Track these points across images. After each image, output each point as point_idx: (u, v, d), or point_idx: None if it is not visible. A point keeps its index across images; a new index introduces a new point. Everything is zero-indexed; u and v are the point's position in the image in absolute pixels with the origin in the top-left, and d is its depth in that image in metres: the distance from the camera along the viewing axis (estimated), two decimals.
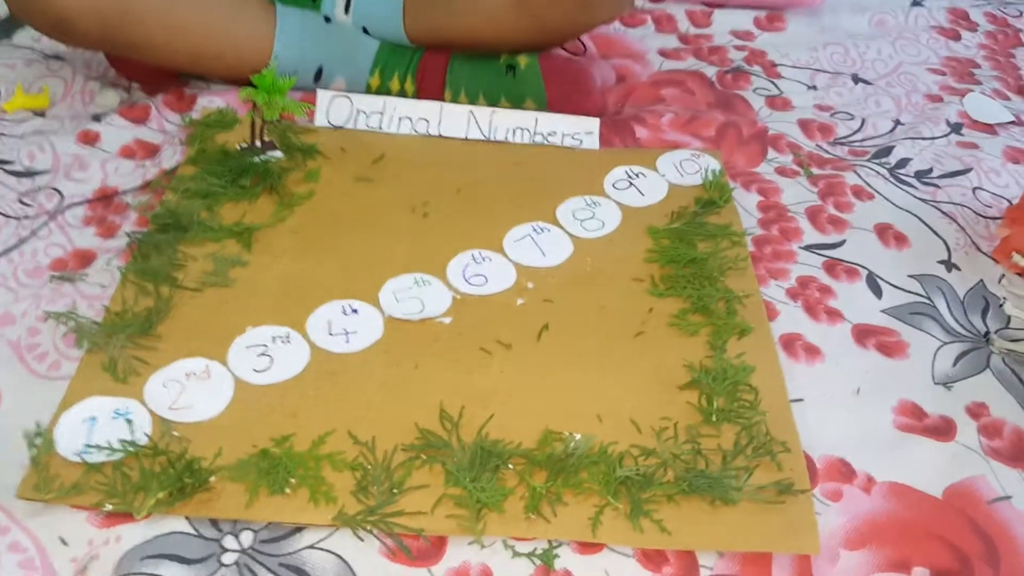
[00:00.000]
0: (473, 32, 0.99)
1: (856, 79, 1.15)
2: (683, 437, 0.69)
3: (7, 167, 0.92)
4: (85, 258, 0.83)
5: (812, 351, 0.78)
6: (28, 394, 0.71)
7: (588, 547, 0.63)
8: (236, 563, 0.61)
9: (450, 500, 0.64)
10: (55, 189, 0.91)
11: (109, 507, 0.63)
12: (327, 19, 1.02)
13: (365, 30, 1.03)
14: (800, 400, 0.73)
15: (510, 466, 0.66)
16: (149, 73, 1.04)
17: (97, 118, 0.99)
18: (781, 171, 0.99)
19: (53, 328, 0.76)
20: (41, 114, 1.01)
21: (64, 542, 0.61)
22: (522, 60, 1.00)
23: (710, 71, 1.14)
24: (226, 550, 0.62)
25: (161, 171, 0.93)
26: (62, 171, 0.93)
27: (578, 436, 0.68)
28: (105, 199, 0.90)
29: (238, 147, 0.95)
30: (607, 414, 0.71)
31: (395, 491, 0.65)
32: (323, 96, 1.00)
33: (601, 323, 0.78)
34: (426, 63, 1.02)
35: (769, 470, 0.67)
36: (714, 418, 0.70)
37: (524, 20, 0.96)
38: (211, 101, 1.01)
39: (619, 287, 0.82)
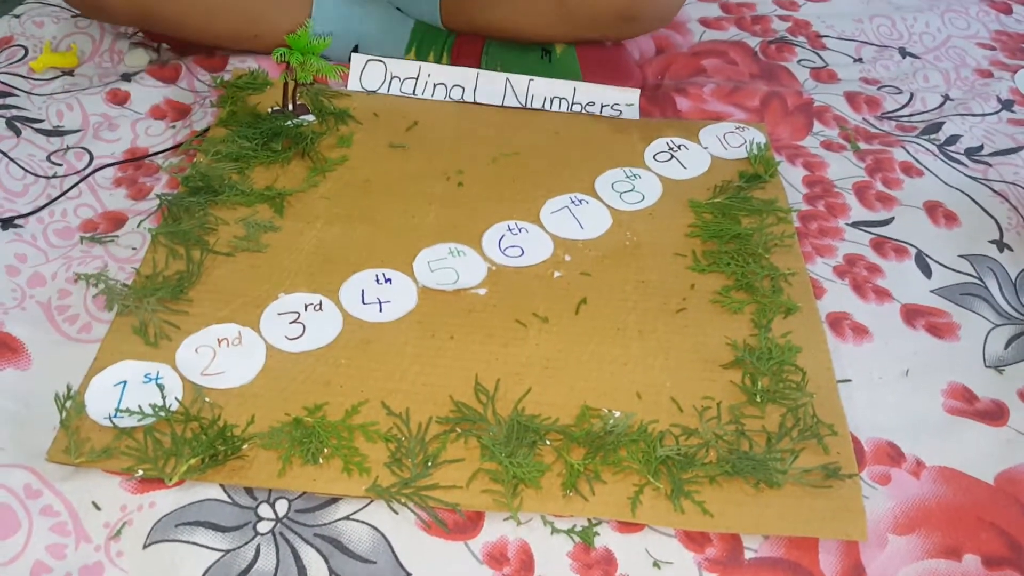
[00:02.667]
0: (512, 28, 0.96)
1: (903, 52, 1.12)
2: (726, 417, 0.67)
3: (36, 126, 0.91)
4: (116, 220, 0.82)
5: (860, 331, 0.76)
6: (58, 356, 0.70)
7: (628, 525, 0.61)
8: (272, 532, 0.60)
9: (486, 475, 0.63)
10: (85, 149, 0.89)
11: (140, 472, 0.62)
12: None
13: (399, 9, 1.00)
14: (847, 381, 0.71)
15: (547, 442, 0.65)
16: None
17: (127, 77, 0.98)
18: (827, 145, 0.96)
19: (84, 290, 0.75)
20: (70, 73, 0.99)
21: (97, 506, 0.60)
22: (558, 46, 0.98)
23: (753, 42, 1.11)
24: (261, 518, 0.60)
25: (192, 133, 0.92)
26: (91, 131, 0.92)
27: (617, 413, 0.67)
28: (135, 160, 0.89)
29: (270, 110, 0.93)
30: (647, 392, 0.69)
31: (429, 464, 0.63)
32: (357, 60, 0.97)
33: (641, 298, 0.76)
34: (461, 45, 1.00)
35: (815, 453, 0.65)
36: (758, 399, 0.68)
37: (565, 27, 0.94)
38: (243, 62, 1.00)
39: (660, 262, 0.79)
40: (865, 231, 0.86)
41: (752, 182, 0.87)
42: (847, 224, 0.86)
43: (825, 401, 0.68)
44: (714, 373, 0.70)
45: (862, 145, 0.96)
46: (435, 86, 0.97)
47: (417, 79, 0.97)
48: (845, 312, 0.78)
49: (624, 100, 0.96)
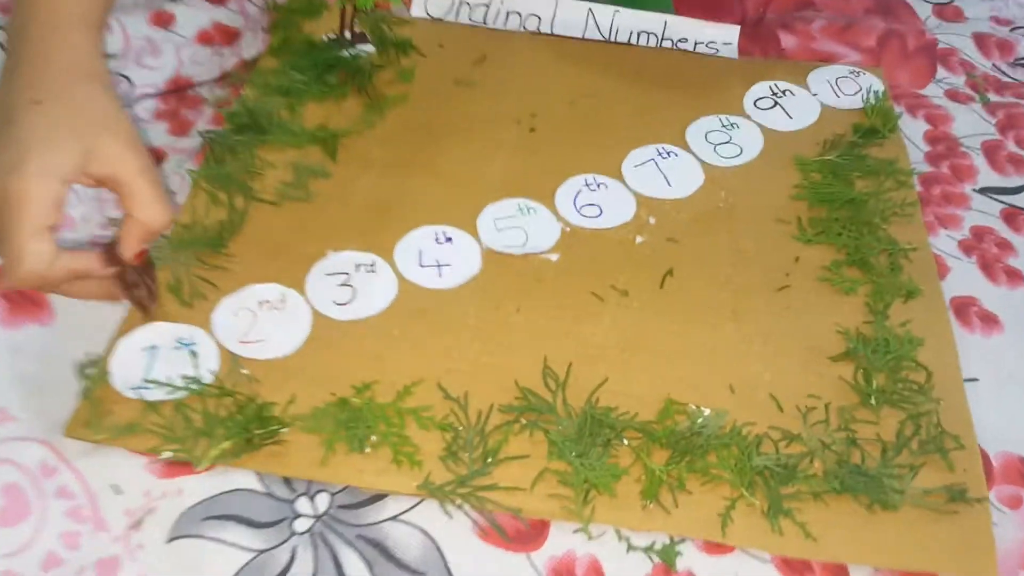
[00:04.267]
0: None
1: None
2: (835, 422, 0.58)
3: None
4: (155, 157, 0.74)
5: (989, 320, 0.66)
6: (84, 311, 0.63)
7: (717, 546, 0.53)
8: (310, 531, 0.53)
9: (553, 476, 0.55)
10: (124, 76, 0.81)
11: (168, 454, 0.55)
12: None
13: None
14: (974, 380, 0.61)
15: (624, 441, 0.57)
16: None
17: None
18: (952, 95, 0.84)
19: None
20: None
21: (118, 490, 0.54)
22: None
23: None
24: (299, 515, 0.54)
25: (240, 62, 0.83)
26: (133, 56, 0.83)
27: (707, 411, 0.58)
28: (179, 91, 0.81)
29: (325, 38, 0.84)
30: (742, 385, 0.60)
31: (489, 460, 0.56)
32: None
33: (736, 271, 0.66)
34: None
35: (938, 469, 0.56)
36: (873, 400, 0.59)
37: None
38: None
39: (759, 228, 0.69)
40: (995, 199, 0.75)
41: (868, 137, 0.76)
42: (974, 190, 0.75)
43: (951, 406, 0.59)
44: (821, 366, 0.61)
45: (992, 96, 0.84)
46: (508, 14, 0.86)
47: (489, 6, 0.87)
48: (972, 297, 0.67)
49: (721, 37, 0.84)
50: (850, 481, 0.54)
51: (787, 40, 0.87)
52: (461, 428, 0.57)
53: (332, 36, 0.84)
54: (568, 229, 0.69)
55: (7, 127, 0.55)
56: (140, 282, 0.59)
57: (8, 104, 0.56)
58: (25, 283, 0.54)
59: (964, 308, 0.66)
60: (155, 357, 0.59)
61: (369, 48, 0.83)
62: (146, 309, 0.60)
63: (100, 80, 0.58)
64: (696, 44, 0.84)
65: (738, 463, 0.55)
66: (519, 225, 0.69)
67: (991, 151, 0.78)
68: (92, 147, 0.55)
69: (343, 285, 0.65)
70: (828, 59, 0.85)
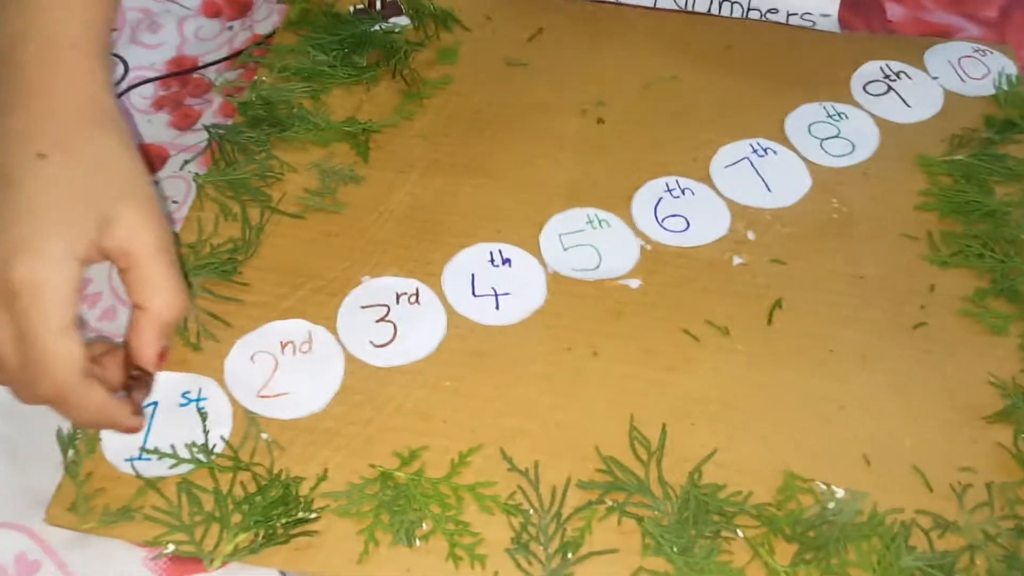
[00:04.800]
0: None
1: None
2: (999, 504, 0.46)
3: None
4: (154, 157, 0.63)
5: None
6: None
7: None
8: None
9: None
10: (118, 56, 0.70)
11: (171, 547, 0.44)
12: None
13: None
14: None
15: (738, 531, 0.45)
16: None
17: None
18: None
19: None
20: None
21: None
22: None
23: None
24: None
25: (253, 38, 0.71)
26: (128, 32, 0.72)
27: (839, 491, 0.47)
28: (182, 73, 0.69)
29: (351, 10, 0.71)
30: (878, 455, 0.48)
31: (569, 556, 0.45)
32: None
33: (860, 303, 0.54)
34: None
35: None
36: None
37: None
38: None
39: (882, 247, 0.57)
40: None
41: (1004, 132, 0.63)
42: None
43: None
44: (974, 429, 0.49)
45: None
46: None
47: None
48: None
49: (819, 7, 0.71)
50: None
51: (893, 10, 0.73)
52: (532, 511, 0.46)
53: (360, 7, 0.71)
54: (649, 247, 0.57)
55: (5, 187, 0.43)
56: (142, 383, 0.48)
57: (3, 155, 0.44)
58: (56, 397, 0.43)
59: None
60: (155, 417, 0.49)
61: (404, 21, 0.71)
62: (139, 414, 0.48)
63: (113, 125, 0.46)
64: (788, 15, 0.71)
65: (881, 561, 0.44)
66: (590, 242, 0.57)
67: None
68: (108, 216, 0.43)
69: (381, 320, 0.53)
70: (943, 33, 0.72)
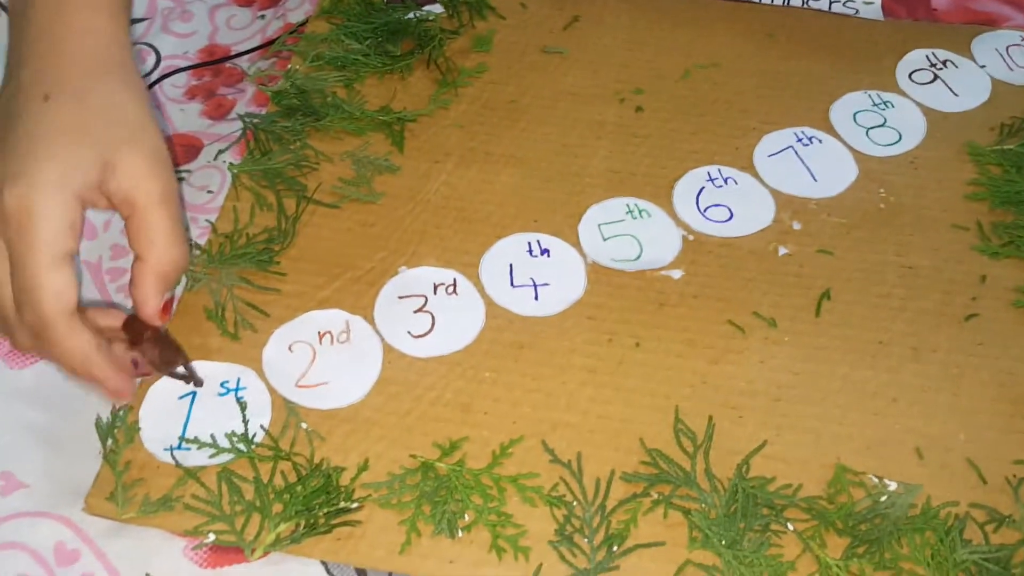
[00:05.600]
0: None
1: None
2: None
3: None
4: (188, 147, 0.63)
5: None
6: None
7: None
8: None
9: (698, 572, 0.43)
10: (149, 45, 0.69)
11: (212, 537, 0.44)
12: None
13: None
14: None
15: (788, 525, 0.44)
16: None
17: None
18: None
19: None
20: None
21: None
22: None
23: None
24: None
25: (286, 27, 0.70)
26: (159, 20, 0.71)
27: (891, 484, 0.45)
28: (214, 63, 0.69)
29: None
30: (931, 448, 0.47)
31: (615, 548, 0.44)
32: None
33: (910, 294, 0.53)
34: None
35: None
36: None
37: None
38: None
39: (932, 236, 0.56)
40: None
41: None
42: None
43: None
44: None
45: None
46: None
47: None
48: None
49: None
50: None
51: None
52: (576, 503, 0.45)
53: None
54: (691, 237, 0.56)
55: (10, 124, 0.43)
56: (156, 348, 0.47)
57: (12, 98, 0.44)
58: (39, 330, 0.42)
59: None
60: (194, 407, 0.48)
61: (438, 9, 0.70)
62: (133, 378, 0.47)
63: (123, 74, 0.46)
64: (832, 2, 0.70)
65: (936, 555, 0.43)
66: (630, 232, 0.56)
67: None
68: (112, 159, 0.43)
69: (420, 311, 0.53)
70: (989, 21, 0.71)
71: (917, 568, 0.43)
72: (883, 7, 0.70)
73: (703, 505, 0.45)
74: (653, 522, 0.45)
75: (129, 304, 0.53)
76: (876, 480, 0.46)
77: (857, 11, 0.70)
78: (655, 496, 0.45)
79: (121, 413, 0.47)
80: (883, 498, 0.45)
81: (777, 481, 0.46)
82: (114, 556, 0.44)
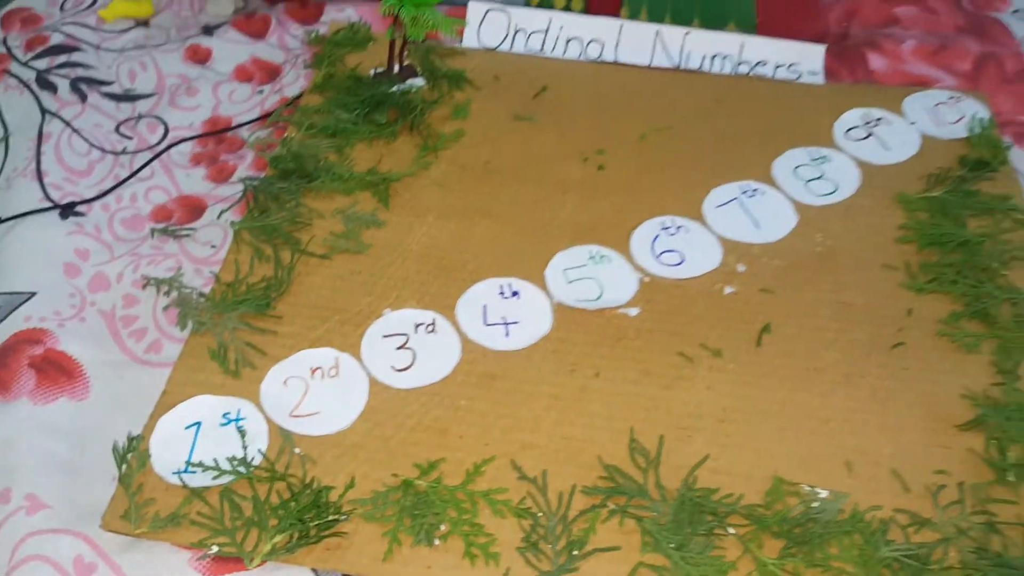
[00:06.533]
0: None
1: None
2: (970, 503, 0.50)
3: (104, 89, 0.78)
4: (193, 207, 0.69)
5: None
6: (121, 383, 0.58)
7: None
8: None
9: (649, 573, 0.48)
10: (158, 119, 0.76)
11: (215, 548, 0.49)
12: None
13: None
14: None
15: (730, 529, 0.49)
16: None
17: (208, 30, 0.84)
18: None
19: (154, 296, 0.62)
20: (144, 23, 0.86)
21: None
22: None
23: None
24: None
25: (282, 100, 0.78)
26: (167, 95, 0.79)
27: (822, 492, 0.51)
28: (217, 132, 0.76)
29: (372, 73, 0.78)
30: (860, 461, 0.52)
31: (575, 553, 0.49)
32: (475, 9, 0.81)
33: (843, 327, 0.59)
34: None
35: None
36: (1011, 476, 0.51)
37: None
38: (341, 11, 0.85)
39: (864, 276, 0.62)
40: None
41: (977, 170, 0.68)
42: None
43: None
44: (948, 437, 0.53)
45: None
46: (568, 41, 0.80)
47: (547, 33, 0.80)
48: None
49: (804, 57, 0.77)
50: (993, 574, 0.47)
51: (876, 61, 0.79)
52: (541, 514, 0.50)
53: (379, 70, 0.78)
54: (647, 279, 0.62)
55: None
56: None
57: None
58: None
59: None
60: (199, 435, 0.54)
61: (419, 82, 0.78)
62: None
63: None
64: (776, 68, 0.77)
65: (862, 554, 0.48)
66: (592, 275, 0.63)
67: None
68: None
69: (402, 348, 0.58)
70: (921, 83, 0.78)
71: (846, 566, 0.48)
72: (825, 68, 0.77)
73: (654, 513, 0.50)
74: (610, 529, 0.50)
75: (137, 351, 0.59)
76: (809, 489, 0.51)
77: (800, 76, 0.77)
78: (612, 506, 0.51)
79: (134, 443, 0.53)
80: (815, 504, 0.50)
81: (720, 491, 0.51)
82: (128, 568, 0.49)
